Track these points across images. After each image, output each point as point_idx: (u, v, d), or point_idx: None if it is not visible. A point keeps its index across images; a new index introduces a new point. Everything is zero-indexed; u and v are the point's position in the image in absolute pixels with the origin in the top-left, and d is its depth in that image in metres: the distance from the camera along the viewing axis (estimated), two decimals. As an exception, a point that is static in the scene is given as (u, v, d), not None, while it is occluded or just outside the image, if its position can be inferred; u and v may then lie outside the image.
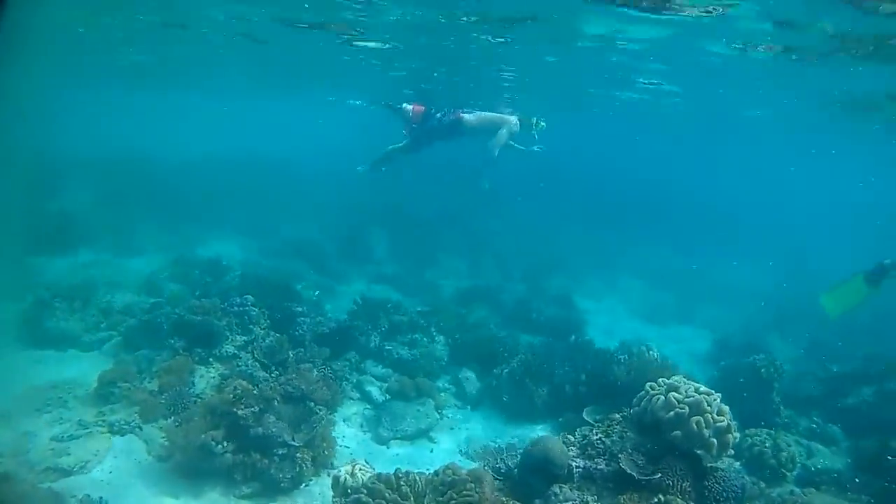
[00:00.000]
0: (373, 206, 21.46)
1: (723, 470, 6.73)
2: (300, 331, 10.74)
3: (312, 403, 8.45)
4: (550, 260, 20.45)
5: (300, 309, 11.36)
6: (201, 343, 9.91)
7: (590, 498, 6.45)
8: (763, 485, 8.45)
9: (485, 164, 11.84)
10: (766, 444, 9.08)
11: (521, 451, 8.27)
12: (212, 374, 9.57)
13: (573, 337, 12.90)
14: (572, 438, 7.54)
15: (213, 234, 18.89)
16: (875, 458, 9.41)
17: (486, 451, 8.73)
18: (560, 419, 10.13)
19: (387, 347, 11.38)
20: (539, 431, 10.09)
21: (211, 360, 9.82)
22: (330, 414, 8.89)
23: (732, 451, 6.60)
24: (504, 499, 6.55)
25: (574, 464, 6.89)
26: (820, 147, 24.19)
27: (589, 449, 7.14)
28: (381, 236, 20.10)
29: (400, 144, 12.29)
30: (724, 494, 6.47)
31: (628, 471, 6.50)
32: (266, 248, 18.51)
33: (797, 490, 8.52)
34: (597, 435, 7.29)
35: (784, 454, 9.02)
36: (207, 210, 19.89)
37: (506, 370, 11.10)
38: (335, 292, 15.55)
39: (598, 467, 6.83)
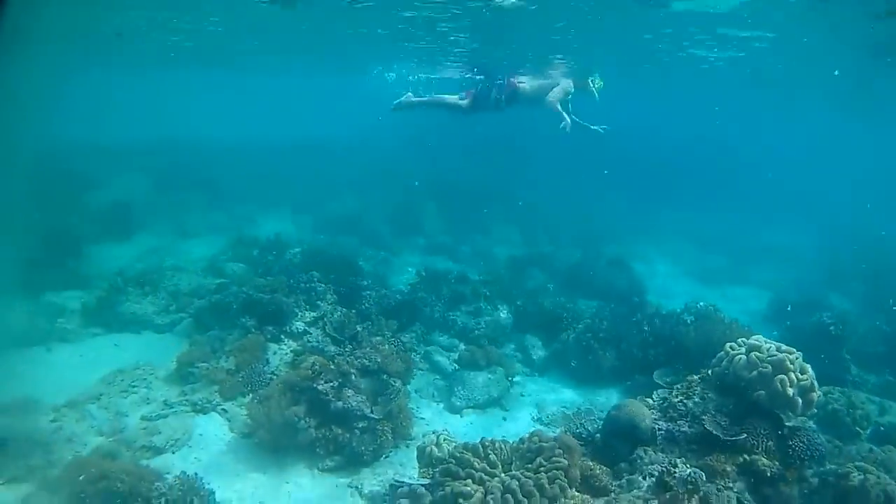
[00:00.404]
0: (420, 179, 21.43)
1: (805, 429, 6.66)
2: (366, 304, 10.87)
3: (387, 376, 8.56)
4: (599, 226, 20.28)
5: (364, 283, 11.50)
6: (271, 321, 10.09)
7: (677, 460, 6.44)
8: (839, 443, 8.33)
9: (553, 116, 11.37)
10: (840, 402, 8.95)
11: (598, 415, 8.31)
12: (284, 351, 9.77)
13: (636, 300, 12.82)
14: (651, 401, 7.51)
15: (264, 213, 19.16)
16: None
17: (564, 416, 8.80)
18: (628, 382, 10.16)
19: (451, 317, 11.47)
20: (609, 395, 10.12)
21: (282, 336, 10.00)
22: (404, 385, 9.00)
23: (816, 410, 6.51)
24: (590, 464, 6.57)
25: (656, 426, 6.88)
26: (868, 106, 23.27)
27: (670, 411, 7.10)
28: (430, 208, 20.10)
29: (459, 102, 11.69)
30: (808, 453, 6.41)
31: (713, 432, 6.47)
32: (319, 224, 18.71)
33: (875, 448, 8.37)
34: (677, 397, 7.23)
35: (858, 411, 8.89)
36: (256, 190, 20.14)
37: (572, 335, 11.13)
38: (392, 265, 15.69)
39: (682, 429, 6.80)
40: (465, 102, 11.33)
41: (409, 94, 11.24)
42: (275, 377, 8.92)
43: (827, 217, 25.07)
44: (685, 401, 7.12)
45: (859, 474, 6.11)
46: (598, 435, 7.21)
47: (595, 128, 11.55)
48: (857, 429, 8.89)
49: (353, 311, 10.54)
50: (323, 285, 10.91)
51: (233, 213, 18.68)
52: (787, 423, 6.56)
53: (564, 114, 10.75)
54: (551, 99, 11.01)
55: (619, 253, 17.24)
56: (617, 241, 19.40)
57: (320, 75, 28.91)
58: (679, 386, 7.52)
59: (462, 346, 10.80)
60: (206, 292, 11.66)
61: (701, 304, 11.09)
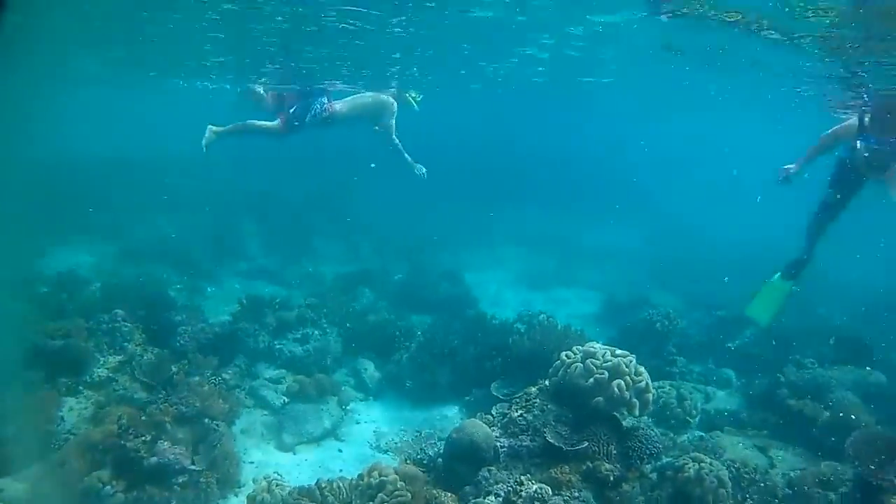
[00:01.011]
0: (238, 197, 20.10)
1: (642, 428, 6.89)
2: (182, 341, 9.82)
3: (209, 420, 7.72)
4: (429, 237, 20.20)
5: (179, 317, 10.41)
6: (66, 370, 8.70)
7: (521, 477, 6.33)
8: (672, 434, 8.80)
9: (397, 156, 11.16)
10: (671, 395, 9.48)
11: (439, 438, 8.08)
12: (83, 406, 8.41)
13: (469, 312, 12.83)
14: (491, 418, 7.41)
15: (57, 242, 16.79)
16: (767, 395, 10.10)
17: (404, 442, 8.48)
18: (467, 398, 10.02)
19: (277, 346, 10.71)
20: (448, 413, 9.94)
21: (81, 388, 8.65)
22: (229, 428, 8.18)
23: (652, 408, 6.75)
24: (435, 491, 6.29)
25: (499, 444, 6.76)
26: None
27: (511, 427, 7.02)
28: (251, 228, 18.88)
29: (269, 125, 10.90)
30: (648, 451, 6.65)
31: (555, 443, 6.47)
32: (125, 253, 16.73)
33: (705, 435, 8.96)
34: (517, 411, 7.17)
35: (687, 402, 9.46)
36: (46, 216, 17.63)
37: (405, 355, 10.86)
38: (210, 294, 14.43)
39: (524, 444, 6.75)
40: (277, 126, 10.69)
41: (211, 126, 10.40)
42: (72, 437, 7.68)
43: (653, 215, 26.97)
44: (525, 414, 7.07)
45: (694, 464, 6.42)
46: (439, 460, 6.99)
47: (417, 170, 11.44)
48: (687, 418, 9.47)
49: (167, 350, 9.47)
50: (129, 324, 9.69)
51: (16, 243, 16.18)
52: (625, 425, 6.74)
53: (410, 160, 11.05)
54: (391, 135, 10.85)
55: (450, 263, 17.30)
56: (448, 251, 19.42)
57: (124, 86, 26.27)
58: (518, 399, 7.47)
59: (290, 377, 10.08)
60: (-23, 344, 9.90)
61: (534, 311, 11.31)
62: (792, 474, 7.86)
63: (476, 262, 19.00)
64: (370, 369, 10.95)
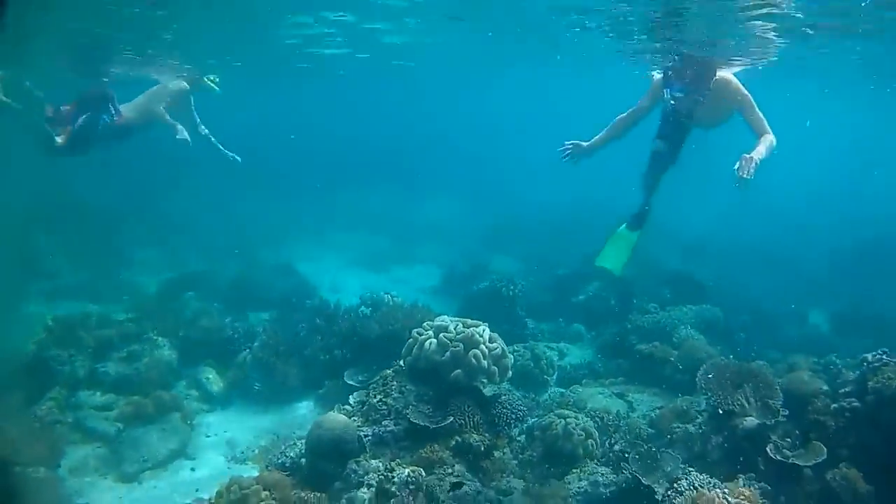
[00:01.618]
0: (38, 205, 17.65)
1: (504, 394, 6.97)
2: (-27, 382, 8.47)
3: (20, 468, 6.72)
4: (257, 231, 19.17)
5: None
6: None
7: (391, 463, 6.15)
8: (534, 395, 9.00)
9: (208, 146, 10.30)
10: (527, 357, 9.67)
11: (299, 438, 7.66)
12: None
13: (309, 302, 12.32)
14: (350, 408, 7.15)
15: None
16: (617, 343, 10.63)
17: (262, 448, 8.00)
18: (321, 390, 9.66)
19: (101, 370, 9.55)
20: (303, 410, 9.53)
21: None
22: (53, 471, 7.17)
23: (511, 373, 6.80)
24: (303, 494, 5.92)
25: (362, 433, 6.52)
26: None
27: (372, 413, 6.82)
28: (53, 240, 16.70)
29: (52, 135, 9.22)
30: (513, 415, 6.77)
31: (420, 423, 6.37)
32: None
33: (565, 391, 9.25)
34: (375, 397, 6.96)
35: (543, 361, 9.73)
36: None
37: (249, 356, 10.22)
38: (6, 320, 12.57)
39: (388, 429, 6.58)
40: (58, 143, 9.23)
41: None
42: None
43: (479, 183, 27.57)
44: (384, 399, 6.88)
45: (560, 421, 6.63)
46: (303, 460, 6.61)
47: (231, 155, 10.84)
48: (545, 377, 9.74)
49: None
50: None
51: None
52: (486, 394, 6.76)
53: (178, 125, 9.89)
54: (196, 126, 9.98)
55: (283, 256, 16.57)
56: (279, 243, 18.47)
57: None
58: (374, 384, 7.27)
59: (123, 401, 9.06)
60: None
61: (377, 293, 11.10)
62: (652, 414, 8.30)
63: (311, 252, 18.38)
64: (212, 377, 10.19)
